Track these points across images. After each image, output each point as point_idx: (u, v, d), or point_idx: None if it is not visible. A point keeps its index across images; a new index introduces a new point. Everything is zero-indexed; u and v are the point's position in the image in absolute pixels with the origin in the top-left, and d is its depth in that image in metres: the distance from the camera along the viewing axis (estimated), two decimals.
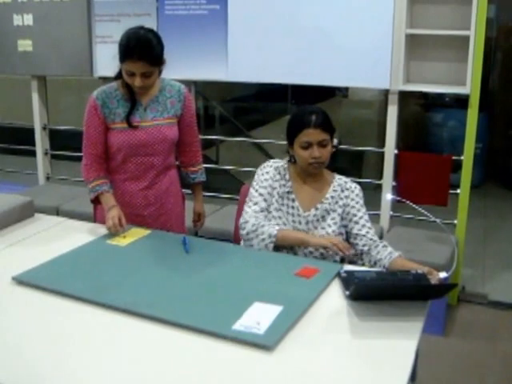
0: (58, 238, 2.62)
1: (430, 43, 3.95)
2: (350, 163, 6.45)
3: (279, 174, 2.60)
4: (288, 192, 2.56)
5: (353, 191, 2.57)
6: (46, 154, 5.23)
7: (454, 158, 4.02)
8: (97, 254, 2.39)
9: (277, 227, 2.45)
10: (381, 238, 4.06)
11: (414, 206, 2.66)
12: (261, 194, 2.54)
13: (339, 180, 2.61)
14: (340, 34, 3.97)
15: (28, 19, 4.86)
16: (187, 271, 2.23)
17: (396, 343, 1.80)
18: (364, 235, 2.52)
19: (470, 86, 3.79)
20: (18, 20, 4.91)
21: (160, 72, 2.70)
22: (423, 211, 2.68)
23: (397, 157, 4.13)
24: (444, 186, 4.02)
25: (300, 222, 2.54)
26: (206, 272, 2.22)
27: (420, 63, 4.00)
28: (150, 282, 2.12)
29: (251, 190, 2.58)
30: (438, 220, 2.85)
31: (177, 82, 2.83)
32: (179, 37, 4.28)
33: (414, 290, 2.08)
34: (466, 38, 3.74)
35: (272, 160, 2.66)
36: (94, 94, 2.69)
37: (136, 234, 2.59)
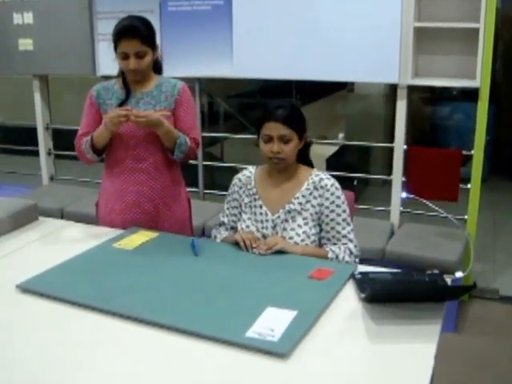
0: (63, 242, 2.57)
1: (437, 36, 3.88)
2: (357, 159, 6.39)
3: (243, 184, 2.57)
4: (255, 199, 2.52)
5: (328, 190, 2.45)
6: (49, 154, 5.17)
7: (464, 152, 3.94)
8: (103, 258, 2.32)
9: (222, 236, 2.57)
10: (392, 234, 4.00)
11: (428, 203, 2.58)
12: (223, 211, 2.64)
13: (315, 177, 2.49)
14: (347, 29, 3.90)
15: (28, 18, 4.79)
16: (197, 275, 2.16)
17: (414, 347, 1.74)
18: (328, 231, 2.45)
19: (479, 79, 3.71)
20: (17, 19, 4.83)
21: (159, 69, 2.81)
22: (438, 209, 2.62)
23: (406, 152, 4.06)
24: (454, 181, 3.95)
25: (267, 227, 2.48)
26: (216, 276, 2.16)
27: (428, 57, 3.92)
28: (159, 287, 2.06)
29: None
30: (450, 216, 2.78)
31: (175, 80, 2.81)
32: (183, 34, 4.21)
33: (431, 292, 2.02)
34: (475, 31, 3.67)
35: (245, 170, 2.62)
36: (93, 87, 2.79)
37: (143, 236, 2.53)
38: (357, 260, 2.46)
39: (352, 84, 7.24)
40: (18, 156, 6.13)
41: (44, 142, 5.12)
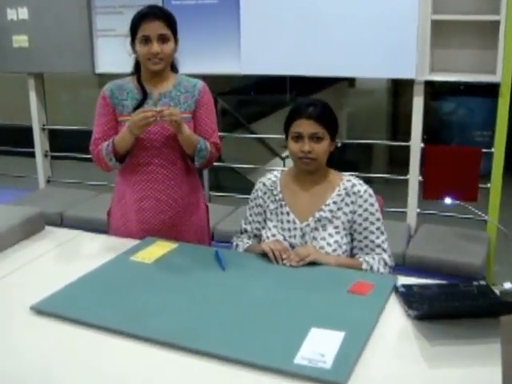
0: (75, 255, 2.38)
1: (454, 29, 3.72)
2: (358, 156, 6.22)
3: (268, 189, 2.39)
4: (281, 205, 2.34)
5: (361, 196, 2.28)
6: (45, 155, 4.95)
7: (483, 150, 3.79)
8: (122, 274, 2.13)
9: (246, 246, 2.40)
10: (410, 237, 3.84)
11: (470, 207, 2.42)
12: (246, 218, 2.48)
13: (347, 182, 2.32)
14: (361, 23, 3.71)
15: (23, 13, 4.56)
16: (227, 293, 1.98)
17: (478, 371, 1.58)
18: (361, 241, 2.29)
19: (500, 73, 3.56)
20: (12, 14, 4.60)
21: (175, 67, 2.61)
22: (475, 210, 2.44)
23: (423, 150, 3.89)
24: (473, 181, 3.79)
25: (295, 236, 2.31)
26: (249, 293, 1.97)
27: (444, 51, 3.76)
28: (188, 307, 1.87)
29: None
30: (485, 215, 2.61)
31: (194, 78, 2.62)
32: (187, 29, 3.98)
33: (486, 308, 1.86)
34: (495, 23, 3.52)
35: (269, 174, 2.45)
36: (105, 85, 2.59)
37: (162, 247, 2.34)
38: (391, 271, 2.30)
39: (353, 79, 7.08)
40: (11, 157, 5.90)
41: (40, 143, 4.90)
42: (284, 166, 8.49)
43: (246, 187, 6.28)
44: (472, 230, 3.93)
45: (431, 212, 4.11)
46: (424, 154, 3.88)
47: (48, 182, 5.03)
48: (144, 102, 2.50)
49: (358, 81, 7.11)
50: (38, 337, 1.75)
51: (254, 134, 6.99)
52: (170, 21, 2.45)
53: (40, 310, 1.85)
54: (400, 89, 7.02)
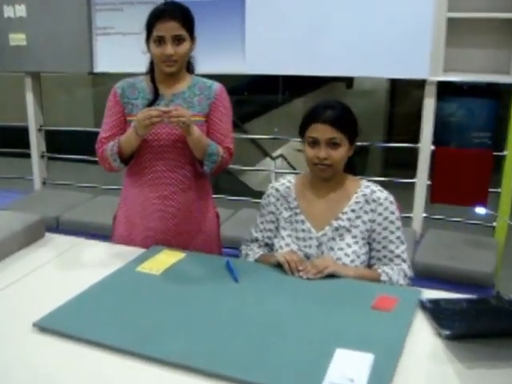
0: (77, 264, 2.25)
1: (467, 28, 3.60)
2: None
3: (282, 195, 2.27)
4: (296, 213, 2.23)
5: (381, 204, 2.16)
6: (42, 157, 4.81)
7: (494, 153, 3.69)
8: (128, 286, 2.00)
9: (257, 256, 2.27)
10: (416, 243, 3.73)
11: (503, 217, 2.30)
12: (256, 226, 2.36)
13: (365, 189, 2.20)
14: (372, 21, 3.58)
15: (20, 10, 4.40)
16: (242, 308, 1.85)
17: None
18: (379, 250, 2.18)
19: None
20: (9, 11, 4.43)
21: (191, 67, 2.47)
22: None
23: (433, 153, 3.79)
24: (483, 185, 3.69)
25: (310, 246, 2.19)
26: (265, 308, 1.85)
27: (457, 50, 3.64)
28: (200, 324, 1.74)
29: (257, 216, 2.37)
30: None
31: (210, 80, 2.48)
32: None
33: None
34: (509, 21, 3.43)
35: (281, 179, 2.34)
36: (118, 83, 2.47)
37: (170, 257, 2.22)
38: (410, 282, 2.19)
39: (351, 79, 6.98)
40: (4, 158, 5.75)
41: (37, 144, 4.75)
42: (275, 166, 8.40)
43: (239, 189, 6.19)
44: (479, 235, 3.83)
45: (441, 217, 4.00)
46: (433, 156, 3.77)
47: (44, 183, 4.89)
48: (155, 103, 2.37)
49: (356, 81, 7.01)
50: (41, 356, 1.62)
51: (246, 133, 6.88)
52: (186, 20, 2.31)
53: (43, 327, 1.72)
54: (399, 89, 6.94)
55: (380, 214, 2.16)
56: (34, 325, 1.73)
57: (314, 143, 2.12)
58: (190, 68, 2.48)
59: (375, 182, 2.31)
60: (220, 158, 2.36)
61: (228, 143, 2.43)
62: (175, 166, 2.39)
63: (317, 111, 2.13)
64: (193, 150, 2.33)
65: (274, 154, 7.96)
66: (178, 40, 2.28)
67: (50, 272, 2.17)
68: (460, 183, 3.72)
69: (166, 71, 2.34)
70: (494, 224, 3.77)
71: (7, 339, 1.71)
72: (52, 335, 1.70)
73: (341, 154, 2.13)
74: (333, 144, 2.11)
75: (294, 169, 7.80)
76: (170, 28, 2.26)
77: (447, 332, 1.69)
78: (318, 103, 2.17)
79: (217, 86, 2.45)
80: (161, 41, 2.27)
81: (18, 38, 4.43)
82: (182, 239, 2.45)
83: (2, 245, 2.25)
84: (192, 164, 2.40)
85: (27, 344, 1.67)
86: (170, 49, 2.27)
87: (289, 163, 8.20)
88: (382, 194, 2.18)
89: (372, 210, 2.16)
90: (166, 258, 2.20)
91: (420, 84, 3.80)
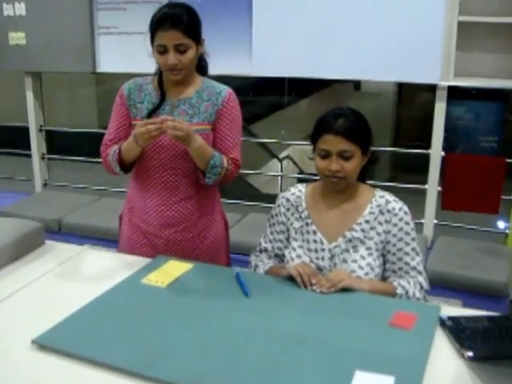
0: (79, 275, 2.15)
1: (478, 32, 3.52)
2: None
3: (292, 205, 2.18)
4: (307, 224, 2.13)
5: (396, 214, 2.07)
6: (42, 158, 4.71)
7: (507, 160, 3.60)
8: (133, 300, 1.90)
9: (267, 267, 2.17)
10: (427, 250, 3.64)
11: None
12: (266, 236, 2.27)
13: (380, 199, 2.10)
14: (383, 24, 3.49)
15: (20, 9, 4.30)
16: (254, 325, 1.75)
17: None
18: (394, 262, 2.09)
19: None
20: (8, 10, 4.34)
21: (203, 69, 2.35)
22: None
23: (443, 159, 3.70)
24: (496, 192, 3.60)
25: (323, 258, 2.09)
26: (278, 326, 1.74)
27: (467, 54, 3.55)
28: (210, 343, 1.64)
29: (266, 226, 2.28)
30: None
31: (222, 85, 2.33)
32: None
33: None
34: None
35: (292, 188, 2.23)
36: (126, 83, 2.36)
37: (176, 268, 2.12)
38: (426, 295, 2.09)
39: (359, 81, 6.89)
40: (6, 158, 5.65)
41: (37, 145, 4.65)
42: (281, 167, 8.33)
43: (245, 190, 6.10)
44: (491, 242, 3.74)
45: (455, 225, 3.91)
46: (442, 161, 3.69)
47: (45, 185, 4.79)
48: (160, 108, 2.27)
49: (364, 83, 6.93)
50: (40, 375, 1.53)
51: (253, 135, 6.80)
52: (189, 26, 2.16)
53: (43, 345, 1.63)
54: (407, 91, 6.85)
55: (395, 225, 2.07)
56: (33, 342, 1.63)
57: (326, 155, 2.03)
58: (201, 69, 2.36)
59: (386, 188, 2.22)
60: (224, 170, 2.22)
61: (235, 154, 2.29)
62: (180, 175, 2.28)
63: (328, 121, 2.03)
64: (195, 161, 2.21)
65: (281, 156, 7.88)
66: (180, 50, 2.16)
67: (49, 284, 2.07)
68: (472, 190, 3.64)
69: (172, 79, 2.24)
70: (507, 231, 3.68)
71: (3, 357, 1.61)
72: (52, 353, 1.60)
73: (353, 165, 2.03)
74: (345, 156, 2.01)
75: (301, 170, 7.72)
76: (171, 37, 2.13)
77: (470, 354, 1.59)
78: (329, 111, 2.07)
79: (226, 92, 2.30)
80: (163, 50, 2.16)
81: (17, 37, 4.34)
82: (183, 247, 2.35)
83: None
84: (197, 172, 2.28)
85: (25, 363, 1.58)
86: (172, 58, 2.15)
87: (296, 164, 8.13)
88: (397, 205, 2.09)
89: (387, 221, 2.07)
90: (172, 269, 2.10)
91: (429, 86, 3.71)
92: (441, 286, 3.24)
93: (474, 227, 3.87)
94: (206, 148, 2.19)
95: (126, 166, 2.27)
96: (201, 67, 2.35)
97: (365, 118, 2.08)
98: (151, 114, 2.25)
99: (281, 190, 7.18)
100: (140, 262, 2.20)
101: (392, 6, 3.47)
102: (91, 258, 2.30)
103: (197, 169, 2.25)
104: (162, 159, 2.26)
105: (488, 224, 3.74)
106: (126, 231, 2.45)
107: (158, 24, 2.14)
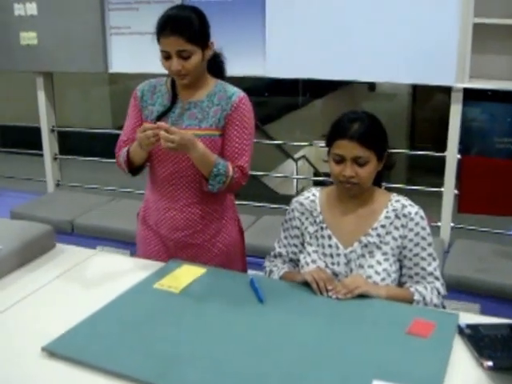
0: (91, 280, 2.12)
1: (493, 33, 3.45)
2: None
3: (306, 209, 2.13)
4: (322, 228, 2.09)
5: (412, 219, 2.02)
6: (55, 158, 4.69)
7: None
8: (146, 306, 1.87)
9: (282, 272, 2.14)
10: (444, 253, 3.58)
11: None
12: (280, 240, 2.23)
13: (396, 203, 2.06)
14: (397, 25, 3.42)
15: (31, 9, 4.27)
16: (269, 333, 1.71)
17: None
18: (411, 268, 2.04)
19: None
20: (19, 9, 4.31)
21: (219, 71, 2.31)
22: None
23: (459, 162, 3.64)
24: None
25: (338, 263, 2.05)
26: (294, 334, 1.71)
27: (482, 56, 3.49)
28: (225, 352, 1.61)
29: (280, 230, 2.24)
30: None
31: (235, 88, 2.26)
32: None
33: None
34: None
35: (305, 192, 2.20)
36: (140, 84, 2.34)
37: (189, 273, 2.08)
38: (443, 301, 2.05)
39: (373, 82, 6.83)
40: (20, 158, 5.63)
41: (49, 145, 4.63)
42: (297, 167, 8.29)
43: (259, 191, 6.05)
44: (509, 246, 3.67)
45: (472, 228, 3.85)
46: (459, 164, 3.63)
47: (57, 185, 4.77)
48: (170, 111, 2.23)
49: (378, 83, 6.87)
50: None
51: (267, 135, 6.77)
52: (193, 32, 2.09)
53: (53, 352, 1.60)
54: (422, 92, 6.79)
55: (411, 230, 2.03)
56: (43, 349, 1.61)
57: (340, 160, 1.99)
58: (217, 71, 2.30)
59: (401, 190, 2.18)
60: (229, 178, 2.14)
61: (243, 162, 2.20)
62: (191, 181, 2.23)
63: (343, 125, 1.98)
64: (198, 167, 2.15)
65: (297, 155, 7.85)
66: (183, 56, 2.09)
67: (60, 289, 2.04)
68: (488, 193, 3.58)
69: (180, 83, 2.20)
70: None
71: (13, 365, 1.59)
72: (62, 361, 1.58)
73: (368, 171, 1.99)
74: (360, 162, 1.97)
75: (317, 170, 7.67)
76: (173, 44, 2.07)
77: (490, 363, 1.55)
78: (344, 115, 2.03)
79: (236, 96, 2.22)
80: (167, 55, 2.11)
81: (28, 37, 4.31)
82: (193, 252, 2.31)
83: (7, 258, 2.13)
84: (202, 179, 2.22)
85: (35, 370, 1.56)
86: (175, 65, 2.09)
87: (311, 164, 8.08)
88: (413, 209, 2.05)
89: (403, 226, 2.03)
90: (185, 274, 2.07)
91: (443, 87, 3.65)
92: (458, 290, 3.19)
93: (492, 230, 3.80)
94: (208, 156, 2.12)
95: (135, 168, 2.25)
96: (216, 69, 2.30)
97: (380, 122, 2.04)
98: (161, 116, 2.21)
99: (297, 191, 7.14)
100: (153, 265, 2.17)
101: (407, 9, 3.41)
102: (102, 262, 2.27)
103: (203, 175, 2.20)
104: (168, 164, 2.24)
105: (505, 227, 3.67)
106: (141, 230, 2.43)
107: (159, 29, 2.10)
